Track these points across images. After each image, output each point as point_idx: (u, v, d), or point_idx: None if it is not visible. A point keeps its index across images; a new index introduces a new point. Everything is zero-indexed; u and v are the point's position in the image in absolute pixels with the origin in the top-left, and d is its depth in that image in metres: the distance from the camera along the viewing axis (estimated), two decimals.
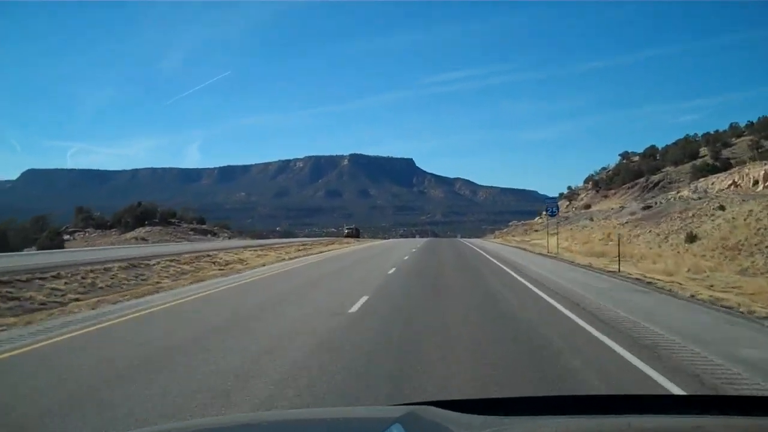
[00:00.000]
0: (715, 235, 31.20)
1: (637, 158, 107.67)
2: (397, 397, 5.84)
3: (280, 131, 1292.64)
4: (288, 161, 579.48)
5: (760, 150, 64.77)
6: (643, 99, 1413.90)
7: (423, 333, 9.50)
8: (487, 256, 30.91)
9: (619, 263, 23.10)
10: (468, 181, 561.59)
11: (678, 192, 61.97)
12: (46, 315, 11.87)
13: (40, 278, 15.64)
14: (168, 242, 62.76)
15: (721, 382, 6.56)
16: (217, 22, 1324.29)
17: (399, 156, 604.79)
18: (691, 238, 32.03)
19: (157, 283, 17.98)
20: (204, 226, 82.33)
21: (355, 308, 12.24)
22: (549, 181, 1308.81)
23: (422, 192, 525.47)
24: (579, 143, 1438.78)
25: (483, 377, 6.71)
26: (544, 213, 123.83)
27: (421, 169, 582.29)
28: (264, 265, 25.38)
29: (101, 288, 16.27)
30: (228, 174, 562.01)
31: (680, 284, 17.37)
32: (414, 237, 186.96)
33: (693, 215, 39.50)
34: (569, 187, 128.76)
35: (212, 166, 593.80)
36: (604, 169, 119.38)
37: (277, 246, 41.86)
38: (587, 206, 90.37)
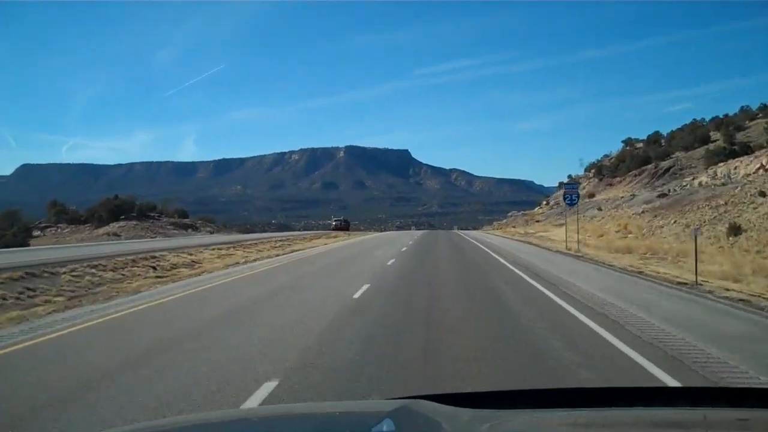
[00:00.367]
0: (766, 225, 25.89)
1: (641, 145, 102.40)
2: None
3: (276, 124, 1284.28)
4: (283, 154, 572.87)
5: None
6: (638, 88, 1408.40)
7: None
8: (498, 257, 23.10)
9: (696, 272, 16.03)
10: (464, 171, 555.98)
11: (694, 178, 56.71)
12: None
13: None
14: (142, 238, 57.66)
15: None
16: (211, 16, 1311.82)
17: (395, 147, 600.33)
18: (735, 230, 26.73)
19: (36, 306, 12.53)
20: (186, 220, 76.88)
21: (256, 398, 5.86)
22: (545, 170, 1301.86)
23: (418, 183, 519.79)
24: (574, 133, 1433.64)
25: None
26: (544, 203, 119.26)
27: (417, 160, 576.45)
28: (211, 272, 19.93)
29: None
30: (223, 167, 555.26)
31: None
32: (410, 229, 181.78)
33: (726, 203, 34.19)
34: (569, 176, 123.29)
35: (208, 160, 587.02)
36: (606, 156, 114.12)
37: (252, 243, 36.47)
38: (591, 195, 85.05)
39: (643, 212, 46.13)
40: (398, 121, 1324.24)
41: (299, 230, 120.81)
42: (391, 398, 2.62)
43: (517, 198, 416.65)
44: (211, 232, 71.69)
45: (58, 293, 14.36)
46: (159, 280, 18.15)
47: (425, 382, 6.13)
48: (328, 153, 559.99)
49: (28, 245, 48.63)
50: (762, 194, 31.47)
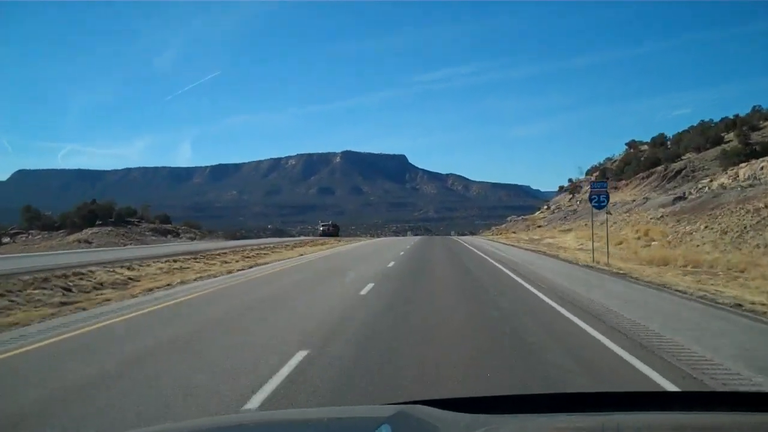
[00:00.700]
0: None
1: (645, 147, 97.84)
2: None
3: (272, 130, 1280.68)
4: (280, 159, 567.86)
5: None
6: (635, 93, 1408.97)
7: None
8: (519, 279, 16.58)
9: None
10: (460, 176, 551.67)
11: (711, 180, 52.03)
12: None
13: None
14: (114, 245, 52.86)
15: None
16: (208, 22, 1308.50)
17: (391, 152, 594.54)
18: None
19: None
20: (168, 226, 71.94)
21: None
22: (541, 175, 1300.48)
23: (415, 188, 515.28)
24: (570, 138, 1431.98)
25: None
26: (545, 208, 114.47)
27: (414, 166, 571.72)
28: (135, 296, 14.95)
29: None
30: (220, 172, 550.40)
31: None
32: (406, 235, 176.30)
33: (767, 206, 29.44)
34: (570, 180, 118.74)
35: (204, 165, 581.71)
36: (609, 159, 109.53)
37: (224, 252, 31.58)
38: None
39: (661, 217, 41.36)
40: (395, 127, 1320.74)
41: (294, 235, 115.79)
42: (388, 403, 2.60)
43: (513, 203, 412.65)
44: (193, 239, 66.78)
45: None
46: (60, 309, 13.25)
47: None
48: (324, 158, 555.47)
49: None
50: None
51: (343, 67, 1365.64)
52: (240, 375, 6.61)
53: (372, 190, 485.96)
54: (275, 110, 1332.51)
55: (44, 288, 15.50)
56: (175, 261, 24.22)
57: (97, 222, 64.27)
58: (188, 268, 22.52)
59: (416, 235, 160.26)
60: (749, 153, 53.36)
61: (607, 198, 21.69)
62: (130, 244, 55.20)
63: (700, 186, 52.71)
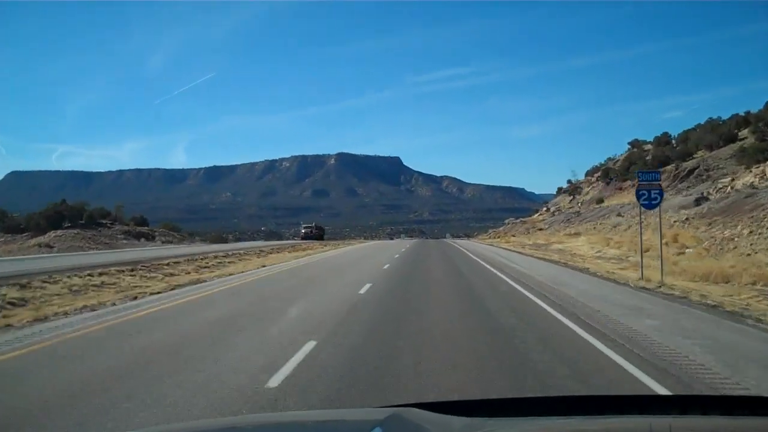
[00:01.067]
0: None
1: (649, 146, 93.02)
2: None
3: (267, 131, 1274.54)
4: (274, 161, 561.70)
5: None
6: (629, 96, 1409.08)
7: None
8: (594, 341, 8.62)
9: None
10: (455, 179, 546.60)
11: (733, 179, 47.11)
12: None
13: None
14: (80, 249, 47.54)
15: None
16: (202, 24, 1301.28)
17: (386, 154, 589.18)
18: None
19: None
20: (144, 228, 66.50)
21: None
22: (536, 178, 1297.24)
23: (410, 190, 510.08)
24: (566, 140, 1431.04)
25: None
26: (544, 209, 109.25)
27: (409, 168, 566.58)
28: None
29: None
30: (214, 174, 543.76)
31: None
32: (399, 237, 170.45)
33: None
34: (569, 181, 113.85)
35: (198, 167, 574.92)
36: (611, 159, 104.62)
37: (185, 260, 26.26)
38: (600, 200, 75.41)
39: (686, 219, 36.28)
40: (389, 129, 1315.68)
41: (289, 238, 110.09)
42: (382, 406, 2.57)
43: (508, 205, 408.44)
44: (170, 243, 61.36)
45: None
46: None
47: None
48: (319, 160, 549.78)
49: None
50: None
51: (337, 68, 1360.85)
52: None
53: (367, 192, 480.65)
54: (270, 112, 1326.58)
55: None
56: (102, 274, 18.91)
57: (66, 224, 58.85)
58: (110, 285, 17.22)
59: (410, 237, 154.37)
60: None
61: (661, 194, 16.16)
62: (97, 248, 49.85)
63: (719, 186, 47.74)
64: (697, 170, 60.85)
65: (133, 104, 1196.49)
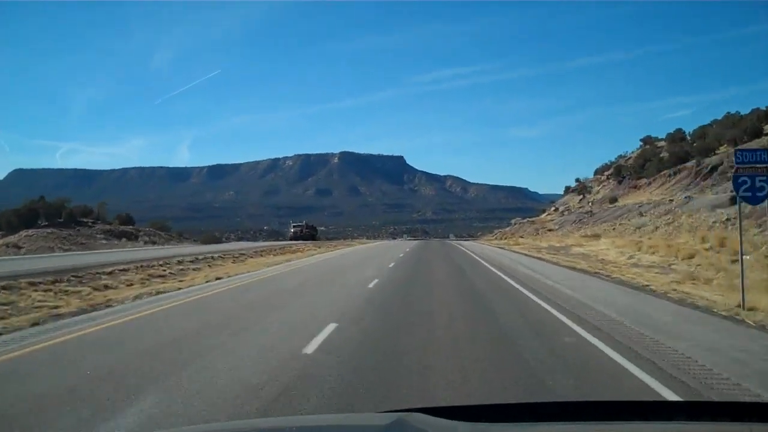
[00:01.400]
0: None
1: (662, 143, 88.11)
2: None
3: (270, 130, 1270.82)
4: (277, 159, 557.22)
5: None
6: (633, 96, 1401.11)
7: None
8: None
9: None
10: (458, 178, 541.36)
11: None
12: None
13: None
14: (51, 250, 43.19)
15: None
16: (206, 22, 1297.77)
17: (389, 153, 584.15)
18: None
19: None
20: (128, 228, 61.95)
21: None
22: (539, 178, 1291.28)
23: (413, 190, 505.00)
24: (569, 140, 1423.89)
25: None
26: (553, 209, 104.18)
27: (412, 167, 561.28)
28: None
29: None
30: (217, 173, 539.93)
31: None
32: (402, 238, 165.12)
33: None
34: (577, 179, 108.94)
35: (201, 165, 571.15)
36: (622, 156, 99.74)
37: (145, 266, 21.62)
38: (613, 200, 70.62)
39: (727, 220, 31.56)
40: (393, 128, 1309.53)
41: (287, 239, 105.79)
42: (386, 411, 2.56)
43: (512, 205, 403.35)
44: (154, 243, 56.84)
45: None
46: None
47: None
48: (322, 159, 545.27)
49: None
50: None
51: (341, 67, 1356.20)
52: None
53: (370, 191, 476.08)
54: (273, 110, 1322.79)
55: None
56: (5, 289, 14.30)
57: (41, 222, 54.42)
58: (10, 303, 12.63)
59: (413, 238, 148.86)
60: None
61: None
62: (70, 249, 45.37)
63: (758, 183, 43.01)
64: (721, 167, 55.98)
65: (137, 102, 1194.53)
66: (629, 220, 47.30)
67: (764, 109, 74.49)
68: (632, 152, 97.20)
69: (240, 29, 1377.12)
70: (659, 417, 2.19)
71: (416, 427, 2.02)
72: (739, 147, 15.88)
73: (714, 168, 56.60)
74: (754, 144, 57.04)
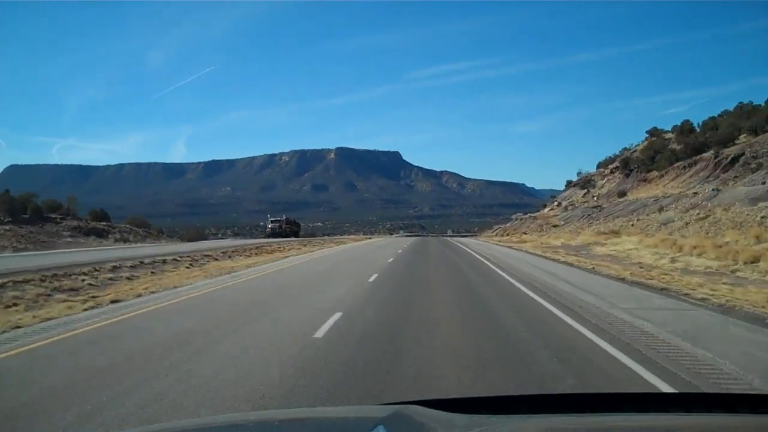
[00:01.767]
0: None
1: (670, 135, 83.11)
2: None
3: (266, 125, 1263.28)
4: (274, 155, 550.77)
5: None
6: (630, 92, 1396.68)
7: None
8: None
9: None
10: (455, 173, 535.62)
11: None
12: None
13: None
14: (3, 249, 38.07)
15: None
16: (203, 19, 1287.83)
17: (386, 149, 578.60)
18: None
19: None
20: (103, 224, 56.71)
21: None
22: (536, 173, 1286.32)
23: (410, 185, 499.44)
24: (566, 136, 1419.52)
25: None
26: (555, 204, 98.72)
27: (409, 163, 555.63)
28: None
29: None
30: (213, 168, 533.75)
31: None
32: (398, 234, 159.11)
33: None
34: (579, 173, 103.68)
35: (197, 161, 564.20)
36: (626, 149, 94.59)
37: (44, 276, 16.49)
38: (622, 194, 65.64)
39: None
40: (389, 123, 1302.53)
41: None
42: (384, 403, 2.39)
43: (509, 200, 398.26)
44: (125, 241, 51.67)
45: None
46: None
47: None
48: (318, 155, 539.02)
49: None
50: None
51: (337, 63, 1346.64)
52: None
53: (366, 187, 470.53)
54: (269, 106, 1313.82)
55: None
56: None
57: (4, 219, 49.22)
58: None
59: (410, 234, 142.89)
60: None
61: None
62: (27, 247, 40.27)
63: None
64: (743, 157, 51.15)
65: (134, 99, 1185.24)
66: (647, 215, 42.32)
67: None
68: (637, 145, 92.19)
69: (236, 26, 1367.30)
70: (655, 408, 2.14)
71: (414, 419, 1.99)
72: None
73: (735, 159, 51.74)
74: None
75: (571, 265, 20.73)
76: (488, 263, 23.92)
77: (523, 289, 14.71)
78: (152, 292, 14.04)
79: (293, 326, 9.28)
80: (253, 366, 6.65)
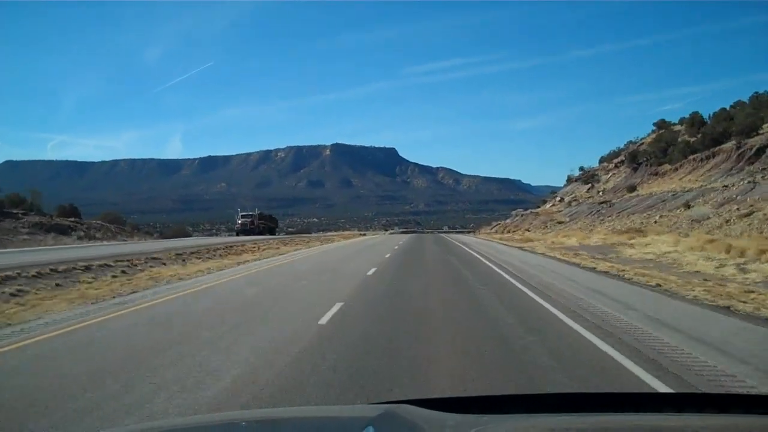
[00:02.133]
0: None
1: (679, 127, 78.36)
2: None
3: (262, 122, 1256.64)
4: (269, 151, 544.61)
5: None
6: (625, 89, 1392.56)
7: None
8: None
9: None
10: (451, 170, 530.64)
11: None
12: None
13: None
14: None
15: None
16: (200, 15, 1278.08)
17: (382, 145, 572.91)
18: None
19: None
20: (70, 220, 51.58)
21: None
22: (532, 169, 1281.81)
23: (405, 181, 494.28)
24: (562, 132, 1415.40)
25: None
26: (558, 199, 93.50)
27: (404, 159, 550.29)
28: None
29: None
30: (209, 165, 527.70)
31: None
32: (392, 230, 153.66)
33: None
34: (581, 168, 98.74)
35: (193, 157, 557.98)
36: (632, 142, 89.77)
37: None
38: (631, 188, 60.81)
39: None
40: (385, 120, 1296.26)
41: (282, 230, 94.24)
42: (375, 402, 2.35)
43: (504, 197, 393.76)
44: (90, 239, 46.58)
45: None
46: None
47: None
48: (314, 151, 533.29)
49: None
50: None
51: (333, 59, 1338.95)
52: None
53: (362, 183, 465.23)
54: (265, 102, 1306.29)
55: None
56: None
57: None
58: None
59: (406, 231, 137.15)
60: None
61: None
62: None
63: None
64: None
65: (129, 95, 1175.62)
66: (669, 211, 37.42)
67: None
68: (643, 138, 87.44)
69: (233, 22, 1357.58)
70: (651, 408, 2.12)
71: (405, 419, 1.96)
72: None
73: (760, 149, 46.91)
74: None
75: (615, 276, 15.51)
76: (490, 264, 18.34)
77: (602, 346, 7.13)
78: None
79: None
80: None
